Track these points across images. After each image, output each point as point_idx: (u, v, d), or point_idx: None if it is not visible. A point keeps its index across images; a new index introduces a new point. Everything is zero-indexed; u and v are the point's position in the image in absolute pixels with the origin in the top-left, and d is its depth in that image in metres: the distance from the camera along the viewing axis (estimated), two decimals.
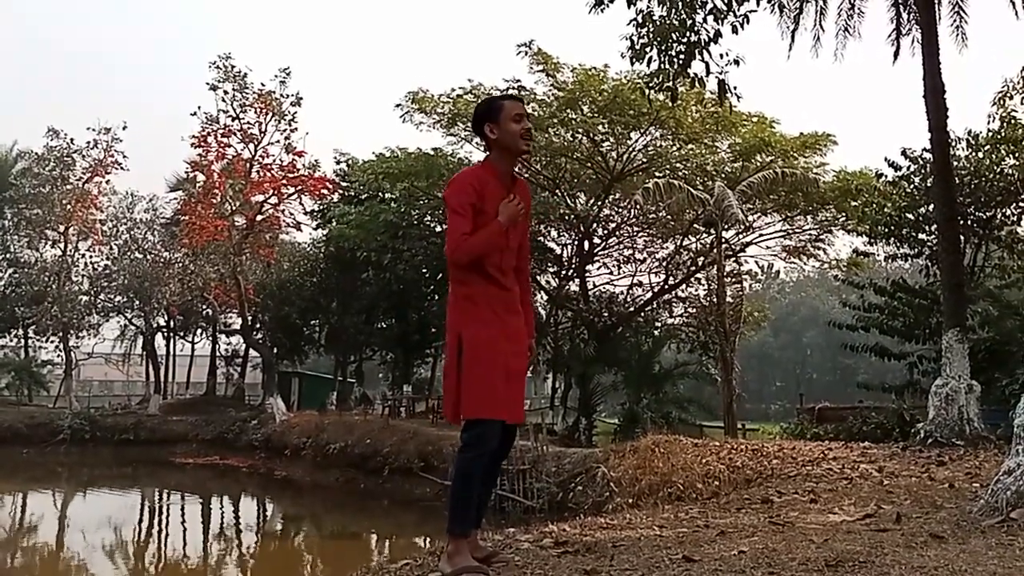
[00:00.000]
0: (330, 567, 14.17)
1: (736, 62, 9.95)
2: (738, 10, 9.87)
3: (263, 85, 28.78)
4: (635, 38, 10.15)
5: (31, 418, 30.89)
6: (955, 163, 14.42)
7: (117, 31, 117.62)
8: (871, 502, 5.78)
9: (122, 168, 33.18)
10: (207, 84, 28.24)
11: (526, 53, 23.01)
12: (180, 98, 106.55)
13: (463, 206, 3.67)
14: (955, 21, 13.76)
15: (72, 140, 32.55)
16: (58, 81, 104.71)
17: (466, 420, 3.62)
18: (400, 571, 3.88)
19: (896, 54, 13.77)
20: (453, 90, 24.34)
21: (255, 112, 28.82)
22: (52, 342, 37.15)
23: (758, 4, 10.56)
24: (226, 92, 28.41)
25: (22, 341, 39.61)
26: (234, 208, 30.08)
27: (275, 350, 34.34)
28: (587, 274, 28.58)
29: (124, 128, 33.36)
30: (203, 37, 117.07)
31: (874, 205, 18.11)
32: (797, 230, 26.71)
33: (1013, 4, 12.63)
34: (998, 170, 15.65)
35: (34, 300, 34.34)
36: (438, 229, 26.58)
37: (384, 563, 4.18)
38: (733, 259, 25.72)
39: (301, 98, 29.01)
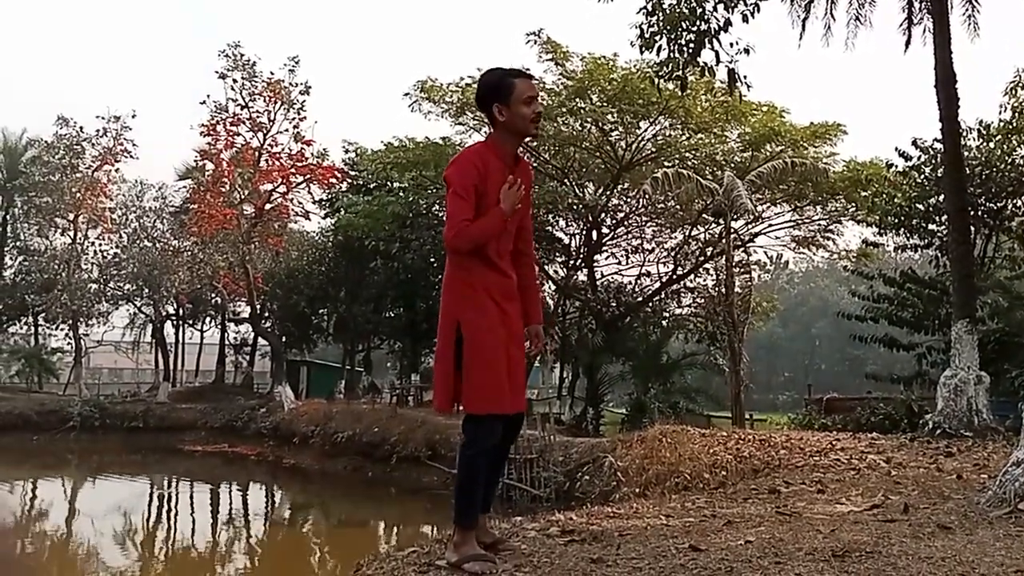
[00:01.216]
0: (338, 555, 14.22)
1: (746, 51, 9.93)
2: None
3: (272, 74, 28.81)
4: (645, 26, 10.13)
5: (41, 405, 31.02)
6: (966, 153, 14.37)
7: (127, 18, 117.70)
8: (879, 493, 5.78)
9: (132, 156, 33.28)
10: (216, 72, 28.30)
11: (535, 42, 22.98)
12: (190, 87, 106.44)
13: (466, 189, 3.55)
14: (967, 10, 13.69)
15: (82, 128, 32.66)
16: (67, 70, 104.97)
17: (468, 414, 3.58)
18: (407, 558, 3.88)
19: (907, 43, 13.70)
20: (462, 79, 24.28)
21: (264, 101, 28.83)
22: (62, 330, 37.26)
23: None
24: (235, 80, 28.44)
25: (32, 329, 39.76)
26: (243, 197, 30.12)
27: (283, 339, 34.44)
28: (595, 264, 28.58)
29: (134, 116, 33.39)
30: (212, 25, 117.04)
31: (884, 195, 18.06)
32: (806, 220, 26.63)
33: None
34: (1009, 160, 15.60)
35: (44, 288, 34.44)
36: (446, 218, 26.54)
37: (391, 551, 4.18)
38: (742, 249, 25.67)
39: (310, 87, 29.03)
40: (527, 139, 3.96)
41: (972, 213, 14.49)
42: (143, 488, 22.44)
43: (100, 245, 34.91)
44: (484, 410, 3.54)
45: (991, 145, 15.94)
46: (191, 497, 21.91)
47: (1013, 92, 15.98)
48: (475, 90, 3.88)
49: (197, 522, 18.24)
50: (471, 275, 3.63)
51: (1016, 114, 15.73)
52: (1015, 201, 16.29)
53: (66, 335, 36.94)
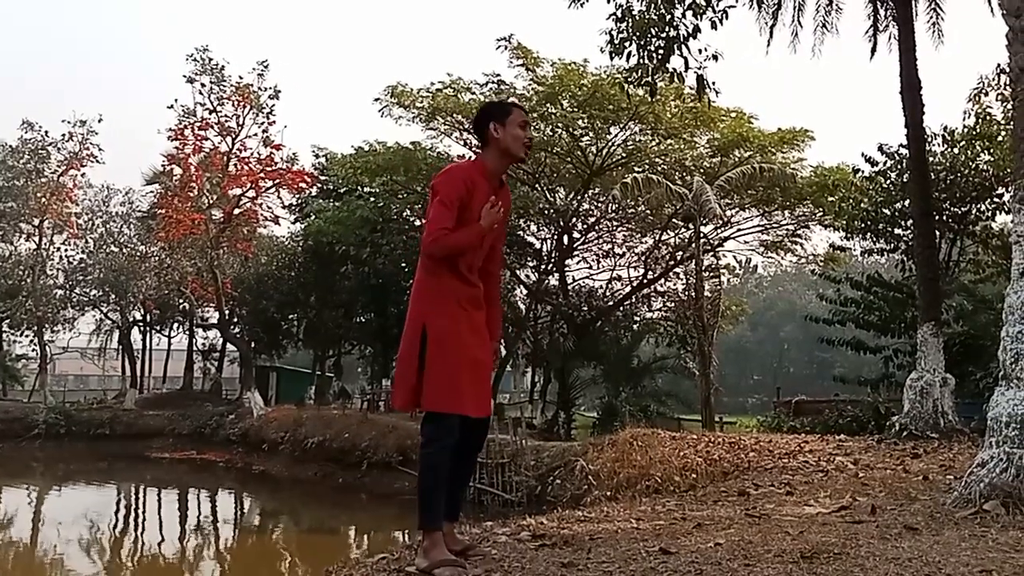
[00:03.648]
0: (308, 561, 14.13)
1: (715, 57, 9.96)
2: (717, 5, 9.87)
3: (241, 78, 28.68)
4: (614, 33, 10.14)
5: (5, 413, 30.53)
6: (931, 159, 14.55)
7: (93, 22, 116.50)
8: (846, 494, 5.83)
9: (97, 161, 32.91)
10: (184, 77, 28.13)
11: (505, 47, 22.97)
12: (157, 90, 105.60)
13: (451, 199, 3.66)
14: (931, 18, 13.88)
15: (47, 133, 32.28)
16: (31, 73, 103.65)
17: (426, 413, 3.62)
18: (377, 565, 3.87)
19: (873, 50, 13.87)
20: (432, 84, 24.29)
21: (233, 105, 28.68)
22: (27, 336, 36.77)
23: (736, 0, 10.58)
24: (203, 85, 28.29)
25: None
26: (211, 202, 29.92)
27: (252, 344, 34.15)
28: (566, 268, 28.62)
29: (100, 121, 33.04)
30: (180, 29, 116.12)
31: (851, 200, 18.22)
32: (774, 225, 26.85)
33: (988, 1, 12.73)
34: (973, 166, 15.78)
35: (8, 294, 33.94)
36: (417, 223, 26.55)
37: (361, 557, 4.16)
38: (711, 254, 25.81)
39: (279, 91, 28.95)
40: (516, 162, 4.11)
41: (937, 218, 14.68)
42: (110, 496, 22.15)
43: (66, 251, 34.57)
44: (441, 408, 3.60)
45: (955, 151, 16.13)
46: (159, 504, 21.68)
47: (977, 98, 16.22)
48: (475, 117, 4.07)
49: (165, 529, 18.05)
50: (441, 282, 3.72)
51: (980, 120, 15.94)
52: (979, 206, 16.48)
53: (31, 341, 36.45)
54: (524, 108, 4.20)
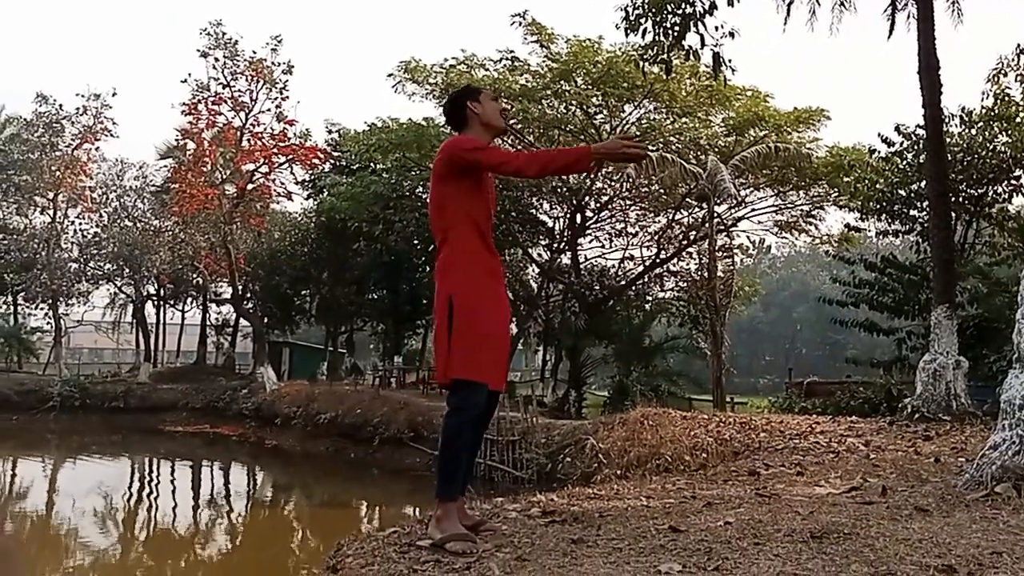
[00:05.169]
0: (319, 535, 14.23)
1: (731, 35, 9.91)
2: None
3: (254, 53, 28.68)
4: (630, 9, 10.09)
5: (20, 385, 30.83)
6: (948, 140, 14.40)
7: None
8: (857, 475, 5.82)
9: (112, 135, 33.06)
10: (198, 51, 28.14)
11: (520, 23, 22.83)
12: (171, 65, 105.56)
13: (483, 144, 3.82)
14: None
15: (61, 106, 32.41)
16: (46, 47, 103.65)
17: (453, 382, 3.64)
18: (388, 539, 3.89)
19: (891, 29, 13.68)
20: (446, 60, 24.20)
21: (246, 80, 28.70)
22: (41, 309, 37.07)
23: None
24: (217, 59, 28.28)
25: (11, 308, 39.48)
26: (224, 177, 30.01)
27: (265, 320, 34.33)
28: (579, 247, 28.57)
29: (114, 95, 33.22)
30: (194, 2, 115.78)
31: (866, 181, 18.08)
32: (789, 205, 26.70)
33: None
34: (991, 147, 15.62)
35: (23, 267, 34.19)
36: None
37: (372, 531, 4.19)
38: (725, 233, 25.73)
39: (292, 66, 28.93)
40: (499, 134, 4.15)
41: (953, 199, 14.55)
42: (124, 468, 22.35)
43: (80, 224, 34.83)
44: (468, 375, 3.63)
45: (973, 132, 15.97)
46: (172, 477, 21.87)
47: (995, 79, 16.01)
48: (445, 108, 4.17)
49: (178, 502, 18.21)
50: (468, 254, 3.78)
51: (998, 101, 15.77)
52: (996, 188, 16.34)
53: (46, 314, 36.74)
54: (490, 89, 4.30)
